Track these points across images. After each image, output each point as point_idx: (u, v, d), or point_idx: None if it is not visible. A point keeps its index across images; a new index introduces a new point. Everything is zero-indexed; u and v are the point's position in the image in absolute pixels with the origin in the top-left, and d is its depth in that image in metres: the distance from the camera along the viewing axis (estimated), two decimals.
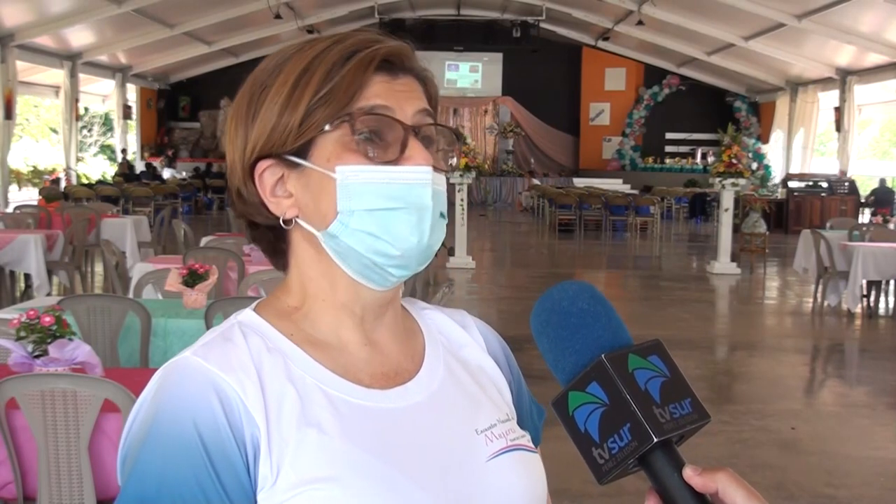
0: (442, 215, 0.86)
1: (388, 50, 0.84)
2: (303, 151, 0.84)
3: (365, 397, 0.84)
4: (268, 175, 0.85)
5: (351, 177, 0.82)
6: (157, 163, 21.89)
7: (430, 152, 0.85)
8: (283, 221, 0.86)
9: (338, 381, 0.84)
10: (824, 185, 17.75)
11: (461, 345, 0.97)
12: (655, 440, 0.69)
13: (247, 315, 0.88)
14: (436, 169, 0.85)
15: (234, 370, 0.80)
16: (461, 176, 11.20)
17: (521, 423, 0.95)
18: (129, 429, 0.80)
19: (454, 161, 0.90)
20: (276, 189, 0.86)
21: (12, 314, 3.41)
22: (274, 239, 0.90)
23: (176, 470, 0.75)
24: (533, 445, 0.93)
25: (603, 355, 0.72)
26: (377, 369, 0.88)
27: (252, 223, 0.90)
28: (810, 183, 18.10)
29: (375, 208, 0.82)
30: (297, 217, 0.86)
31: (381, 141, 0.83)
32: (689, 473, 0.70)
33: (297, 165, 0.84)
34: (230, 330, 0.85)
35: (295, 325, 0.87)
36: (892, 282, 9.44)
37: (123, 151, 20.87)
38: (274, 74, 0.84)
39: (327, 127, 0.82)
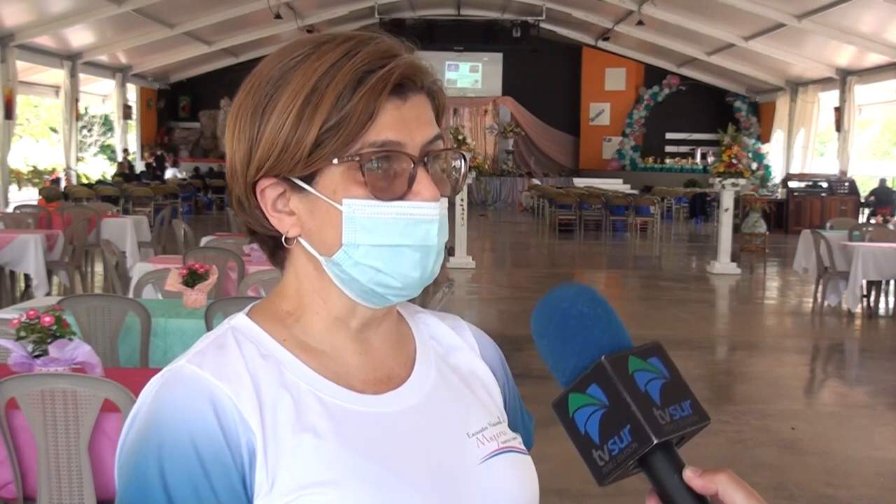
0: (443, 244, 0.85)
1: (402, 72, 0.81)
2: (309, 177, 0.82)
3: (359, 402, 0.85)
4: (270, 191, 0.84)
5: (358, 211, 0.81)
6: (156, 158, 21.83)
7: (437, 176, 0.84)
8: (285, 240, 0.86)
9: (331, 387, 0.84)
10: (824, 185, 17.75)
11: (453, 349, 0.97)
12: (655, 442, 0.69)
13: (240, 320, 0.88)
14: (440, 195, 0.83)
15: (228, 378, 0.80)
16: None
17: (513, 428, 0.96)
18: (125, 438, 0.80)
19: (460, 180, 0.88)
20: (277, 203, 0.85)
21: (12, 314, 3.41)
22: (273, 247, 0.89)
23: (172, 480, 0.75)
24: (524, 447, 0.93)
25: (603, 357, 0.72)
26: (370, 375, 0.88)
27: (251, 230, 0.89)
28: (810, 183, 18.10)
29: (381, 244, 0.82)
30: (300, 237, 0.85)
31: (389, 174, 0.81)
32: (689, 475, 0.71)
33: (302, 188, 0.83)
34: (224, 336, 0.85)
35: (288, 331, 0.87)
36: (892, 282, 9.44)
37: (125, 151, 20.86)
38: (280, 86, 0.81)
39: (335, 161, 0.80)
